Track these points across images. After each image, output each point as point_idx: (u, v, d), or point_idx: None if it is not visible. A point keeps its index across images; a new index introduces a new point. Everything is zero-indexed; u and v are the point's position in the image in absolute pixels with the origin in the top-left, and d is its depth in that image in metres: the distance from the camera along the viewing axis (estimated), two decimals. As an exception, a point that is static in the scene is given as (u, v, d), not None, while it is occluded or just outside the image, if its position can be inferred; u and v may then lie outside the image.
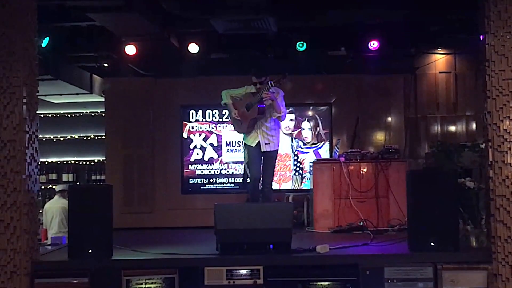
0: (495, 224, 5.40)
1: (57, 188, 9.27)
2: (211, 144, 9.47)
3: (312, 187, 8.24)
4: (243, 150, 7.47)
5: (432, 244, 5.53)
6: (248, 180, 7.45)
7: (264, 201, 7.19)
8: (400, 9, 7.40)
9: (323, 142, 9.39)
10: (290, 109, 9.37)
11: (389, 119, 9.59)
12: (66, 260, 5.67)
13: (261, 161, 7.23)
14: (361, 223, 7.73)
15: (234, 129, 7.48)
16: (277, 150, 7.33)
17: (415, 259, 5.55)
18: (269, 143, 7.17)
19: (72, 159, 11.27)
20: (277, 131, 7.27)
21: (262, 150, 7.17)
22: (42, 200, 9.22)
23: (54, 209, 8.80)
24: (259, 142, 7.16)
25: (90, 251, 5.59)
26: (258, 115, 7.09)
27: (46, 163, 11.10)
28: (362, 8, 7.38)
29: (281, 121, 7.29)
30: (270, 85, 6.86)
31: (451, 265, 5.47)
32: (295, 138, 9.44)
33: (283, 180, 9.39)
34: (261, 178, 7.27)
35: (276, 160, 7.45)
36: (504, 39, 5.45)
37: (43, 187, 10.44)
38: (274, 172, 7.47)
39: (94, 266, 5.56)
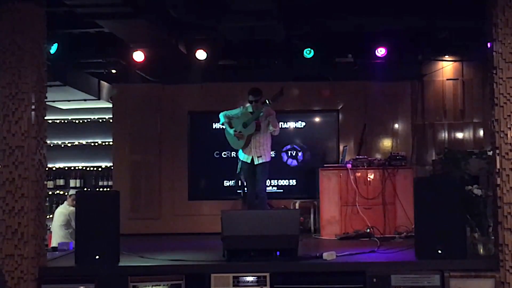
0: (502, 231, 5.38)
1: (69, 193, 9.33)
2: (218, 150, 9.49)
3: (319, 194, 8.23)
4: (238, 161, 7.94)
5: (440, 251, 5.52)
6: (245, 189, 8.21)
7: (260, 207, 7.53)
8: (408, 17, 7.39)
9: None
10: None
11: (396, 125, 9.58)
12: (73, 266, 5.68)
13: (255, 174, 7.64)
14: (368, 230, 7.72)
15: (231, 145, 7.89)
16: (269, 162, 7.70)
17: (422, 267, 5.54)
18: (261, 156, 7.61)
19: (80, 165, 11.30)
20: (268, 145, 7.71)
21: (255, 163, 7.60)
22: (50, 206, 9.28)
23: (56, 214, 8.85)
24: (252, 157, 7.62)
25: (97, 257, 5.61)
26: (255, 131, 7.55)
27: (54, 168, 11.13)
28: (370, 16, 7.37)
29: (275, 135, 7.71)
30: (268, 102, 7.31)
31: (459, 272, 5.46)
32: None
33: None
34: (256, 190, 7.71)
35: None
36: (512, 46, 5.45)
37: (50, 192, 10.50)
38: (266, 180, 7.96)
39: (101, 272, 5.58)
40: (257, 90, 7.64)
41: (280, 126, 7.75)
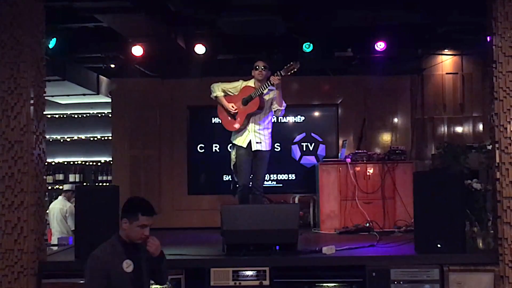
0: (502, 226, 5.38)
1: (64, 187, 9.35)
2: (217, 144, 9.48)
3: (318, 188, 8.23)
4: (230, 150, 6.95)
5: (439, 245, 5.51)
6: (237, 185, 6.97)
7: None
8: (407, 11, 7.37)
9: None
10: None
11: (396, 120, 9.58)
12: (73, 260, 5.68)
13: (252, 164, 6.72)
14: (368, 225, 7.73)
15: (224, 126, 6.88)
16: (270, 151, 6.82)
17: (421, 261, 5.54)
18: (260, 142, 6.67)
19: (79, 159, 11.31)
20: (269, 130, 6.78)
21: (253, 149, 6.66)
22: (49, 201, 9.29)
23: (55, 210, 8.86)
24: (250, 142, 6.66)
25: (97, 251, 5.59)
26: (258, 110, 6.61)
27: (53, 163, 11.14)
28: (370, 10, 7.35)
29: (279, 116, 6.84)
30: (279, 74, 6.41)
31: (458, 266, 5.46)
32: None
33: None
34: (250, 182, 6.76)
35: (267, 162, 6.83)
36: (512, 40, 5.44)
37: (50, 187, 10.50)
38: (265, 175, 7.00)
39: (101, 267, 5.56)
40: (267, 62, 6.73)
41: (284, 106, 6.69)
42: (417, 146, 9.47)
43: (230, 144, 6.97)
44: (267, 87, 6.53)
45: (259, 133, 6.68)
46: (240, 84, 6.80)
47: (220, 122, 7.03)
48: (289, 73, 6.47)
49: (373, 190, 8.02)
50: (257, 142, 6.65)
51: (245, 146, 6.67)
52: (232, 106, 6.67)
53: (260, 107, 6.61)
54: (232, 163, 6.90)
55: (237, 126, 6.70)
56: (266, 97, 6.67)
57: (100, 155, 11.22)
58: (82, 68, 9.61)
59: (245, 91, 6.68)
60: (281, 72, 6.42)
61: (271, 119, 6.82)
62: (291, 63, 6.45)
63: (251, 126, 6.67)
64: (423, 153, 9.45)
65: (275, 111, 6.69)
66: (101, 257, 3.96)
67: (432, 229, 5.54)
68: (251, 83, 6.76)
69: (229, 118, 6.75)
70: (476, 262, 5.49)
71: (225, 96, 6.78)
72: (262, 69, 6.67)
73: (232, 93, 6.78)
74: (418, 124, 9.53)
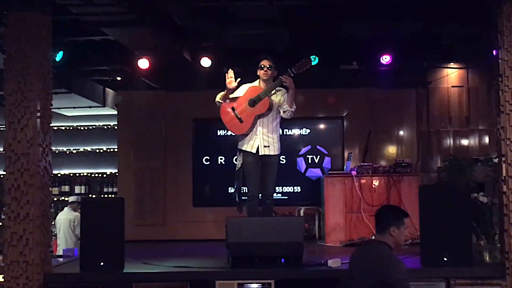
0: (508, 239, 5.36)
1: (69, 199, 9.40)
2: (223, 156, 9.48)
3: (323, 201, 8.22)
4: (237, 155, 6.47)
5: (445, 259, 5.49)
6: (234, 190, 6.55)
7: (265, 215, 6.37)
8: (413, 24, 7.39)
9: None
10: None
11: (401, 133, 9.57)
12: (78, 272, 5.68)
13: (260, 171, 6.28)
14: (373, 237, 7.68)
15: (230, 130, 6.45)
16: (279, 156, 6.40)
17: (427, 274, 5.52)
18: (269, 146, 6.21)
19: (85, 171, 11.34)
20: (278, 134, 6.33)
21: (260, 154, 6.20)
22: (54, 212, 9.33)
23: (62, 221, 8.89)
24: (258, 147, 6.22)
25: (102, 263, 5.60)
26: (267, 111, 6.15)
27: (59, 175, 11.18)
28: (376, 20, 7.37)
29: (288, 117, 6.28)
30: (290, 72, 6.01)
31: (464, 280, 5.43)
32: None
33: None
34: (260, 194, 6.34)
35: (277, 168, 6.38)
36: (517, 53, 5.44)
37: (55, 199, 10.53)
38: (276, 181, 6.42)
39: (106, 279, 5.57)
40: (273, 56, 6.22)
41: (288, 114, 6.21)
42: (423, 159, 9.46)
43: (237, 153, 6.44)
44: (275, 87, 6.16)
45: (268, 136, 6.23)
46: (243, 89, 6.31)
47: (225, 132, 6.79)
48: (301, 71, 6.10)
49: (378, 202, 7.99)
50: (265, 146, 6.20)
51: (254, 151, 6.21)
52: (231, 73, 6.18)
53: (269, 109, 6.17)
54: (237, 168, 6.42)
55: (244, 129, 6.23)
56: (274, 98, 6.25)
57: (105, 167, 11.24)
58: (88, 80, 9.66)
59: (251, 92, 6.22)
60: (292, 69, 6.05)
61: (279, 122, 6.38)
62: (303, 60, 6.11)
63: (259, 129, 6.21)
64: (429, 166, 9.42)
65: (284, 111, 6.22)
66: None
67: (438, 242, 5.52)
68: (256, 83, 6.36)
69: (236, 120, 6.24)
70: (482, 276, 5.46)
71: (230, 97, 6.30)
72: (267, 68, 6.24)
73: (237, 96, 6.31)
74: (423, 137, 9.52)
